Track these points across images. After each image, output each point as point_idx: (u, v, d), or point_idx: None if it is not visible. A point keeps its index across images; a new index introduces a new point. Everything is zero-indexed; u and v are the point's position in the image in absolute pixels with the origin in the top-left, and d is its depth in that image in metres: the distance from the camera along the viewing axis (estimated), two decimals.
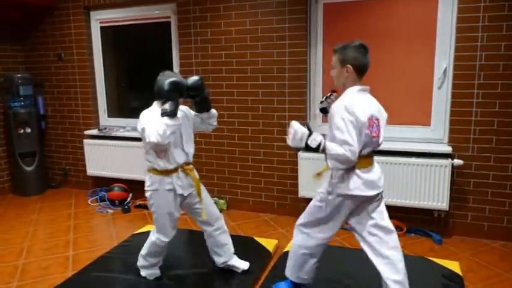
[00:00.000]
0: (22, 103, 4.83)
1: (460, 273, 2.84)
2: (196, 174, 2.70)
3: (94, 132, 4.82)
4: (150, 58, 4.84)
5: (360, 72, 2.18)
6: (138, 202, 4.49)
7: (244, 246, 3.31)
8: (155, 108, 2.54)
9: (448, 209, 3.44)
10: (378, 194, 2.23)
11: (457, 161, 3.36)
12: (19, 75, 4.85)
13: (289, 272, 2.54)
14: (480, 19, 3.20)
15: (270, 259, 3.16)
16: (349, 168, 2.14)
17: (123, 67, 5.10)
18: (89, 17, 4.79)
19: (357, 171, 2.16)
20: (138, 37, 4.86)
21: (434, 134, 3.57)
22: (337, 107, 2.11)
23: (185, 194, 2.64)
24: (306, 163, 3.78)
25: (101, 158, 4.71)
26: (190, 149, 2.67)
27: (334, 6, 3.74)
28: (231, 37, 4.02)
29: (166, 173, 2.56)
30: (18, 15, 4.90)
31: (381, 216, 2.25)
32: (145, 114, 2.55)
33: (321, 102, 2.52)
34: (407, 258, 2.29)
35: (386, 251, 2.19)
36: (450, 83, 3.41)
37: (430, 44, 3.47)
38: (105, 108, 4.98)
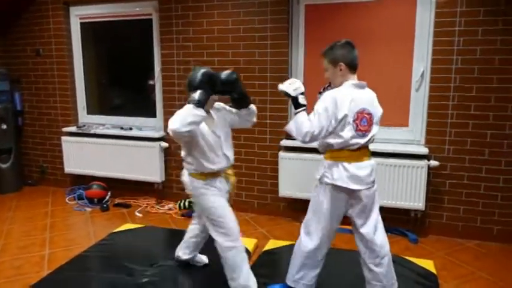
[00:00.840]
0: None
1: (435, 272, 2.90)
2: (234, 180, 2.60)
3: (73, 129, 4.74)
4: (131, 56, 4.79)
5: (352, 67, 2.26)
6: (117, 200, 4.45)
7: None
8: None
9: (424, 209, 3.51)
10: (366, 189, 2.28)
11: (433, 162, 3.44)
12: None
13: (289, 276, 2.53)
14: (457, 23, 3.28)
15: (249, 258, 3.16)
16: (337, 159, 2.25)
17: (104, 64, 5.03)
18: (69, 13, 4.70)
19: (344, 163, 2.23)
20: (118, 34, 4.80)
21: (412, 135, 3.64)
22: (324, 95, 2.24)
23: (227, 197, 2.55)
24: (287, 163, 3.80)
25: (80, 156, 4.63)
26: (229, 151, 2.51)
27: (316, 7, 3.77)
28: (213, 36, 4.02)
29: (210, 176, 2.43)
30: None
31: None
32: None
33: (319, 93, 2.50)
34: None
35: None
36: (427, 85, 3.49)
37: (408, 47, 3.54)
38: (84, 105, 4.90)
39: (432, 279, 2.80)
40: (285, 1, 3.75)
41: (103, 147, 4.50)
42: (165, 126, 4.38)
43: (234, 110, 2.55)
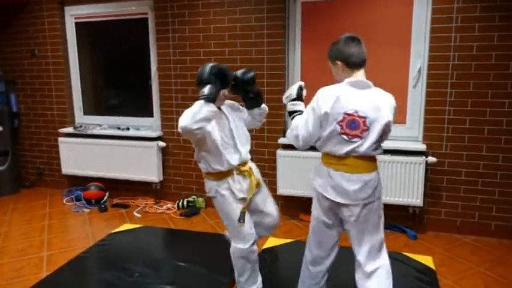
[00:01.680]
0: None
1: (433, 268, 2.92)
2: (256, 174, 2.47)
3: (69, 130, 4.71)
4: (127, 55, 4.76)
5: (349, 64, 2.03)
6: (115, 201, 4.43)
7: (222, 244, 3.30)
8: None
9: (422, 206, 3.52)
10: (354, 206, 2.02)
11: (431, 159, 3.44)
12: None
13: None
14: (453, 20, 3.28)
15: None
16: (325, 164, 2.05)
17: (100, 64, 5.01)
18: (63, 12, 4.67)
19: (330, 170, 2.02)
20: (114, 34, 4.77)
21: (410, 131, 3.64)
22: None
23: (248, 198, 2.38)
24: (285, 161, 3.80)
25: (77, 157, 4.61)
26: (244, 147, 2.42)
27: (312, 5, 3.76)
28: (210, 34, 4.00)
29: (221, 176, 2.34)
30: None
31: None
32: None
33: None
34: None
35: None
36: (425, 82, 3.49)
37: (405, 44, 3.54)
38: (80, 106, 4.87)
39: (431, 275, 2.82)
40: None
41: (100, 148, 4.48)
42: (163, 126, 4.37)
43: (246, 110, 2.51)
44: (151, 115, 4.53)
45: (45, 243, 3.51)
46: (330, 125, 1.96)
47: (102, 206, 4.29)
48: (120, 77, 4.90)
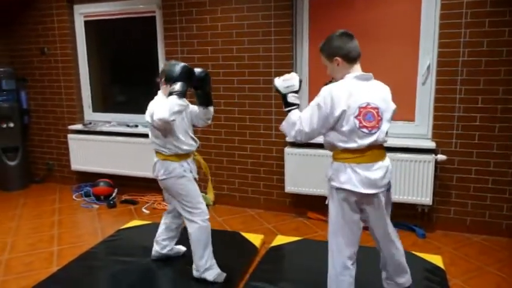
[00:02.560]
0: (5, 97, 4.75)
1: (443, 267, 2.88)
2: (201, 158, 2.92)
3: (78, 127, 4.76)
4: (135, 53, 4.79)
5: (349, 59, 2.08)
6: (124, 197, 4.46)
7: (230, 241, 3.32)
8: (161, 95, 2.60)
9: (431, 204, 3.48)
10: (381, 193, 2.10)
11: (441, 157, 3.41)
12: (1, 69, 4.76)
13: None
14: (463, 15, 3.23)
15: (257, 254, 3.17)
16: (344, 160, 2.06)
17: (108, 62, 5.04)
18: (73, 11, 4.71)
19: (353, 165, 2.04)
20: (123, 32, 4.80)
21: (419, 129, 3.61)
22: (322, 89, 2.08)
23: (197, 178, 2.78)
24: (293, 158, 3.79)
25: (86, 153, 4.66)
26: (193, 135, 2.78)
27: (320, 1, 3.74)
28: (217, 32, 4.00)
29: (184, 157, 2.65)
30: None
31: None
32: (152, 102, 2.59)
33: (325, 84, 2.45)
34: None
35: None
36: (434, 79, 3.45)
37: (414, 40, 3.50)
38: (89, 103, 4.91)
39: (440, 275, 2.78)
40: None
41: (109, 145, 4.52)
42: None
43: (196, 106, 2.78)
44: None
45: (55, 238, 3.55)
46: (347, 121, 2.00)
47: (111, 202, 4.32)
48: (128, 74, 4.92)
